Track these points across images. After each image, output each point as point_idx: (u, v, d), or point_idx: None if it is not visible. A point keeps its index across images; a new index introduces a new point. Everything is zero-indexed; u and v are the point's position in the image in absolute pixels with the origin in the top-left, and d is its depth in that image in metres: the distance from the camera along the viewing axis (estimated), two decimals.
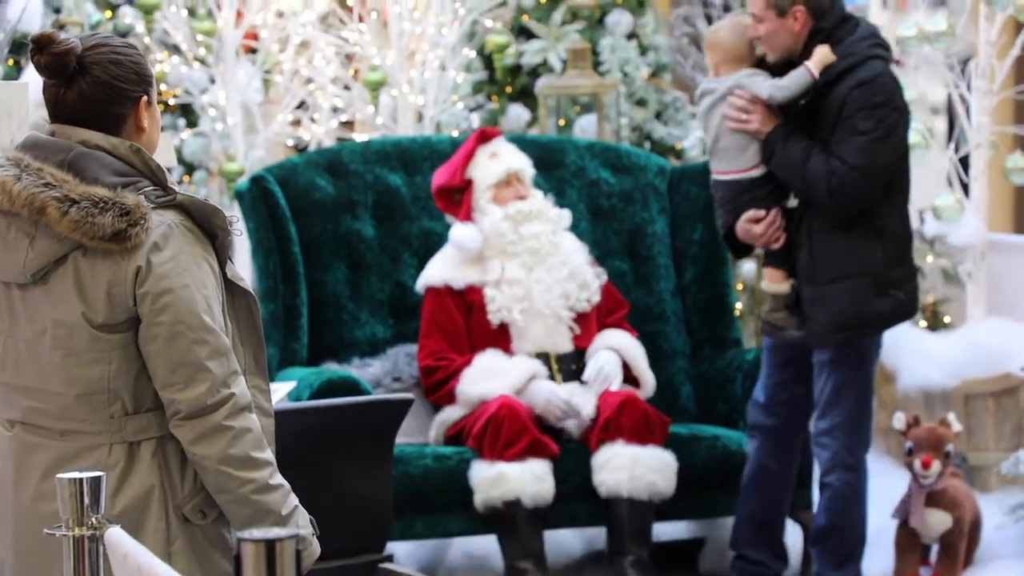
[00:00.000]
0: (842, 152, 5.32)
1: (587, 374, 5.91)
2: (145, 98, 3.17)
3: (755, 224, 5.46)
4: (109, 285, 3.06)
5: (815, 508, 5.79)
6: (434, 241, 6.22)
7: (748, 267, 7.20)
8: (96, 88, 3.12)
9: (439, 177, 6.06)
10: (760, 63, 5.48)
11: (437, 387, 5.92)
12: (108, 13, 7.83)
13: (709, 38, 5.60)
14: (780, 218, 5.46)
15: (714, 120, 5.49)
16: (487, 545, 6.11)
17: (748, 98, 5.40)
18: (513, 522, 5.68)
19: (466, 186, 6.02)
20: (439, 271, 6.01)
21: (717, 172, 5.54)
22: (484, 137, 6.06)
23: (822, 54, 5.33)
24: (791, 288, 5.51)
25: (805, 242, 5.45)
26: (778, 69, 5.45)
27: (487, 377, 5.83)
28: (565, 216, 6.09)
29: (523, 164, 6.08)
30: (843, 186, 5.30)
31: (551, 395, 5.80)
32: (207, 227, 3.13)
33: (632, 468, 5.70)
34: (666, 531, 6.33)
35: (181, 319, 3.05)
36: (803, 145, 5.38)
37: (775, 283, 5.54)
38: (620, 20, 7.37)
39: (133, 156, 3.10)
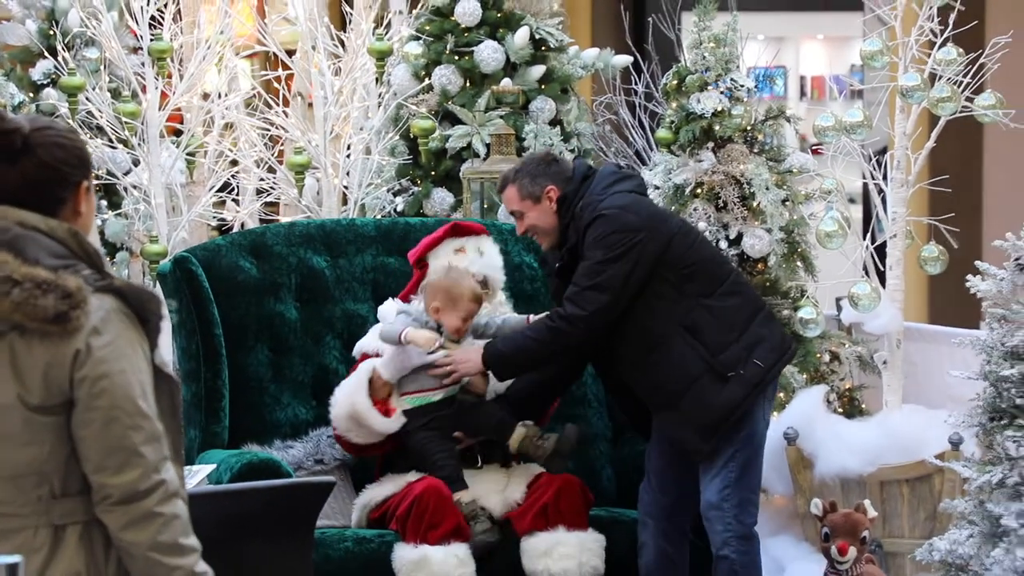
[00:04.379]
0: (575, 280, 5.50)
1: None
2: (85, 183, 3.18)
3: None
4: (47, 367, 3.05)
5: None
6: (357, 324, 6.22)
7: None
8: (40, 170, 3.13)
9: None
10: None
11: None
12: (31, 94, 7.82)
13: None
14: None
15: None
16: None
17: (445, 362, 5.70)
18: None
19: (422, 268, 5.98)
20: (374, 341, 5.97)
21: None
22: (456, 231, 5.95)
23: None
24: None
25: (640, 379, 5.54)
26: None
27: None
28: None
29: (485, 268, 5.92)
30: (581, 307, 5.45)
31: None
32: (141, 313, 3.13)
33: (579, 556, 5.68)
34: None
35: (118, 404, 3.05)
36: (510, 335, 5.69)
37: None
38: (543, 106, 7.44)
39: (71, 239, 3.11)
